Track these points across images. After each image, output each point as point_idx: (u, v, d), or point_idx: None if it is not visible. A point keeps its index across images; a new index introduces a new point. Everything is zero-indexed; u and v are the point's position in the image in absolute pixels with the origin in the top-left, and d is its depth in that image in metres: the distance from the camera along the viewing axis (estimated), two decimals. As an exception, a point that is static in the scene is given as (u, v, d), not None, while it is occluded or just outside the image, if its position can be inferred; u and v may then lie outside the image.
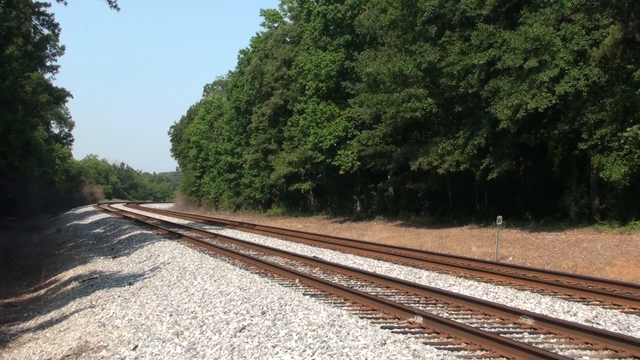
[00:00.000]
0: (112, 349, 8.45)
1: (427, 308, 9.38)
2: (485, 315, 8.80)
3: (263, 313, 8.62)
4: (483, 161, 21.65)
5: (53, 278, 17.40)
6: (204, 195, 63.15)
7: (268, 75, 41.33)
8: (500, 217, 16.64)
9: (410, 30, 24.19)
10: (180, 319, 9.28)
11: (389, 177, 31.32)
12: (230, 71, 78.56)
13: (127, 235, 24.84)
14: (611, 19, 17.99)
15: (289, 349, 6.91)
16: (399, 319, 8.53)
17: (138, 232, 25.57)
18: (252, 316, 8.55)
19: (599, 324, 8.34)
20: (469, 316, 8.85)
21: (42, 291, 15.91)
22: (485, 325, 8.28)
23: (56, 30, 29.82)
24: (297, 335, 7.36)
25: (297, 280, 11.97)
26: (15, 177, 37.14)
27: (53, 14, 33.28)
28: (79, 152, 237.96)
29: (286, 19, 46.32)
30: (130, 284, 13.33)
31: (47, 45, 35.48)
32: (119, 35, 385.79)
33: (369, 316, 8.75)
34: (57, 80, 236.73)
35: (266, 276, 12.78)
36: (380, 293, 10.69)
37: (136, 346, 8.31)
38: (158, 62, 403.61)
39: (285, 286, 11.26)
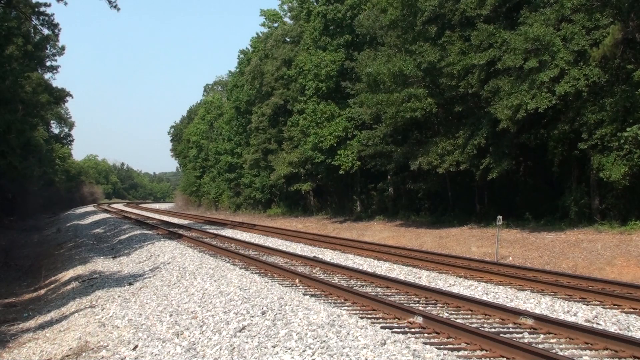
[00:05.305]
0: (112, 349, 8.45)
1: (427, 308, 9.38)
2: (485, 315, 8.79)
3: (263, 313, 8.62)
4: (483, 161, 21.65)
5: (53, 278, 17.40)
6: (204, 195, 63.15)
7: (268, 75, 41.33)
8: (500, 217, 16.63)
9: (410, 30, 24.19)
10: (180, 319, 9.27)
11: (389, 177, 31.32)
12: (230, 71, 78.36)
13: (127, 235, 24.84)
14: (611, 19, 17.99)
15: (289, 349, 6.91)
16: (399, 319, 8.53)
17: (138, 232, 25.56)
18: (252, 316, 8.55)
19: (599, 324, 8.34)
20: (469, 316, 8.84)
21: (42, 291, 15.90)
22: (485, 325, 8.28)
23: (56, 30, 29.90)
24: (297, 335, 7.36)
25: (297, 280, 11.97)
26: (15, 177, 37.14)
27: (53, 14, 33.35)
28: (79, 152, 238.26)
29: (286, 19, 46.33)
30: (130, 284, 13.32)
31: (47, 45, 35.52)
32: (119, 35, 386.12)
33: (369, 316, 8.75)
34: (57, 80, 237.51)
35: (266, 276, 12.78)
36: (380, 293, 10.69)
37: (136, 346, 8.31)
38: (158, 62, 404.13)
39: (285, 286, 11.26)
